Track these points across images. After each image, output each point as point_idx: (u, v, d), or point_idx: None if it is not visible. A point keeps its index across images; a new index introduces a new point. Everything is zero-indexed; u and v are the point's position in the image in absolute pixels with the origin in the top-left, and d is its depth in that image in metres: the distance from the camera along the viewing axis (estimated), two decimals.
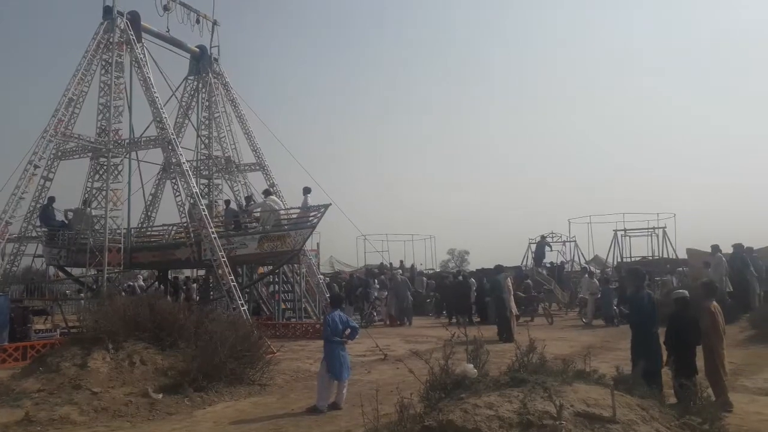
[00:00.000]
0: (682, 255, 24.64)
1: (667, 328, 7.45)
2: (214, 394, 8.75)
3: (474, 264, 46.08)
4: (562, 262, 30.67)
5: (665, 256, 25.47)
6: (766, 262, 17.53)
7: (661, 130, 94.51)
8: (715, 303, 7.62)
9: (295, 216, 16.61)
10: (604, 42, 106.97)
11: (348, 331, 8.16)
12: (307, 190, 16.35)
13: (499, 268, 17.00)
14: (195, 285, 21.96)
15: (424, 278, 26.30)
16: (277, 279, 18.32)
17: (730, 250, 18.10)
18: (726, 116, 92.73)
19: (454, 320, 18.78)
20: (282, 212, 17.21)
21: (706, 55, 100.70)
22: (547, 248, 29.13)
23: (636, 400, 5.71)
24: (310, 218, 15.79)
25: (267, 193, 17.84)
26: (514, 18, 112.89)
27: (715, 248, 18.21)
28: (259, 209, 17.40)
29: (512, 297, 15.73)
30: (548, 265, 29.68)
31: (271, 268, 18.58)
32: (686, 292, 7.84)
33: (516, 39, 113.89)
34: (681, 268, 23.05)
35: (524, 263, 29.83)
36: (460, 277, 21.90)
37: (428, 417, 5.28)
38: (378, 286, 21.59)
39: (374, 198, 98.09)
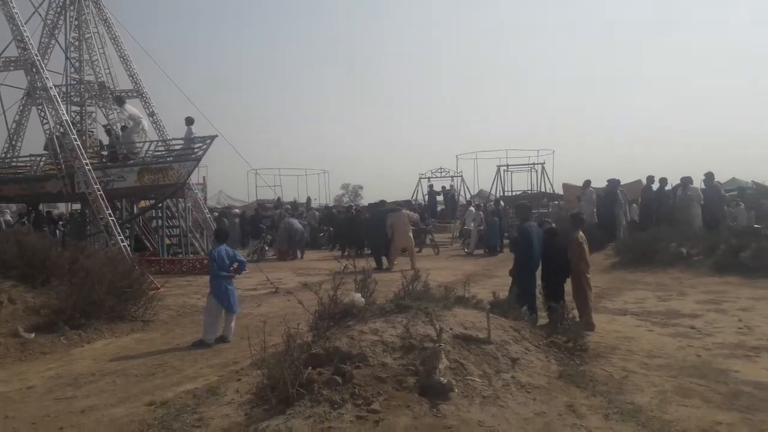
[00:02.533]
0: (559, 189, 26.30)
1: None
2: (93, 331, 8.37)
3: (368, 198, 46.60)
4: (452, 194, 31.85)
5: (544, 190, 27.04)
6: (632, 196, 19.02)
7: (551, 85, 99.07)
8: (581, 233, 8.21)
9: (178, 147, 15.78)
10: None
11: (235, 265, 8.02)
12: (189, 121, 15.48)
13: (382, 203, 19.31)
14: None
15: (317, 213, 26.29)
16: (160, 213, 17.50)
17: (603, 185, 19.48)
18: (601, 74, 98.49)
19: (346, 253, 19.03)
20: (161, 142, 16.30)
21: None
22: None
23: (509, 322, 6.14)
24: (195, 150, 15.05)
25: (119, 101, 16.55)
26: None
27: (587, 183, 19.58)
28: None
29: (409, 230, 16.24)
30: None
31: (153, 202, 17.71)
32: (554, 224, 8.38)
33: None
34: (556, 202, 24.64)
35: (414, 197, 30.60)
36: (353, 211, 22.12)
37: (315, 345, 5.38)
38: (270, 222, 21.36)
39: (267, 131, 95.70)
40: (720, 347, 6.86)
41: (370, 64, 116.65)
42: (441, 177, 31.45)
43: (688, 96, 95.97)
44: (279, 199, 27.28)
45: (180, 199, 17.12)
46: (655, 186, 18.09)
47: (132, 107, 16.53)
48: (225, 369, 6.44)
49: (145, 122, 16.56)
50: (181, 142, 15.87)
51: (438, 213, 30.07)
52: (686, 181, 16.97)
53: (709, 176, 17.21)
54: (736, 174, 30.62)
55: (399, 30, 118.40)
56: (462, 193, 32.11)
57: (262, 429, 4.24)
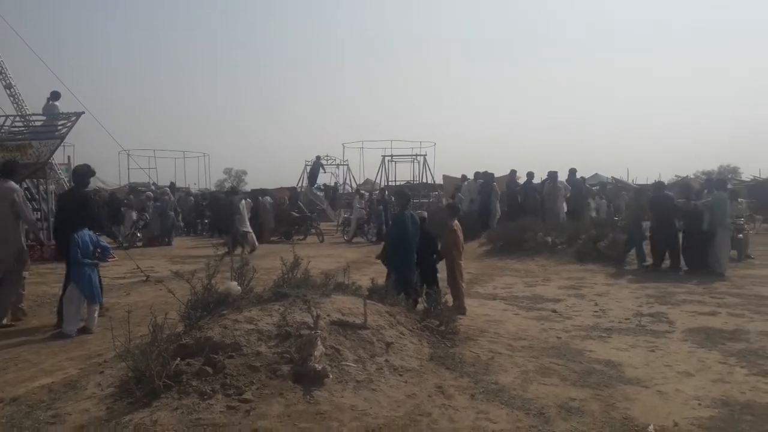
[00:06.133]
0: (440, 180, 27.26)
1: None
2: None
3: (252, 184, 45.56)
4: (335, 183, 31.90)
5: (425, 180, 27.93)
6: (502, 188, 20.11)
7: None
8: (456, 222, 8.55)
9: (39, 124, 14.45)
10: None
11: (99, 251, 7.50)
12: (54, 96, 14.22)
13: (234, 191, 19.05)
14: None
15: (192, 198, 25.27)
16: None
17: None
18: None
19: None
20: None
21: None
22: (321, 169, 29.87)
23: (386, 307, 6.27)
24: (59, 127, 13.85)
25: None
26: None
27: (464, 177, 20.56)
28: None
29: (246, 218, 16.77)
30: (322, 187, 30.61)
31: None
32: (425, 213, 8.67)
33: None
34: (436, 192, 25.50)
35: (300, 184, 30.36)
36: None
37: (186, 335, 5.18)
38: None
39: (141, 111, 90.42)
40: (578, 329, 7.42)
41: (255, 48, 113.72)
42: (327, 164, 31.43)
43: (558, 96, 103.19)
44: (153, 184, 26.00)
45: (41, 180, 15.71)
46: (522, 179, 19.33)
47: None
48: (87, 362, 6.02)
49: None
50: (43, 118, 14.55)
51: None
52: (553, 176, 18.22)
53: (572, 172, 18.62)
54: (599, 170, 33.30)
55: (286, 15, 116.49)
56: (348, 181, 32.35)
57: (124, 423, 4.01)
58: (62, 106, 14.64)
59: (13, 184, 7.68)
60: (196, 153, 34.12)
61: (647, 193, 15.23)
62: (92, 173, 8.70)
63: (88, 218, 7.86)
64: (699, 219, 11.90)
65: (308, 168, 30.06)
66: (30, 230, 7.88)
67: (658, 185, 13.95)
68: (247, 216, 16.73)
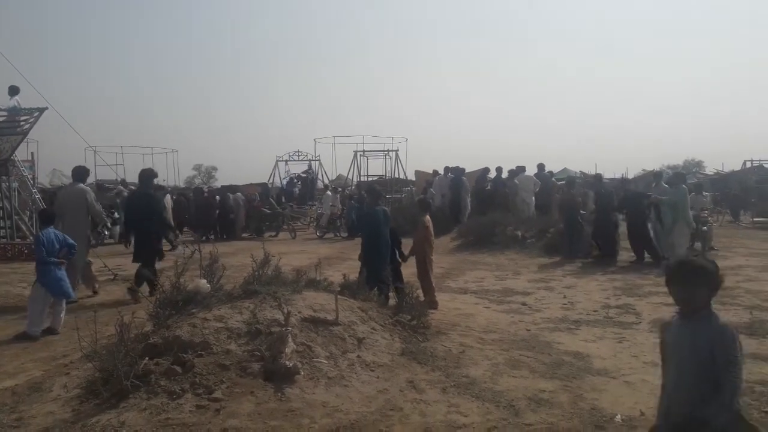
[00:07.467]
0: (412, 176, 27.33)
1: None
2: None
3: (222, 180, 45.11)
4: (308, 173, 31.73)
5: (397, 176, 27.97)
6: (472, 183, 20.24)
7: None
8: (428, 217, 8.58)
9: (1, 119, 14.03)
10: None
11: (64, 250, 7.34)
12: (13, 90, 13.77)
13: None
14: None
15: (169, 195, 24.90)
16: None
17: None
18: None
19: (203, 238, 18.28)
20: None
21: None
22: (295, 186, 29.88)
23: (358, 303, 6.27)
24: (21, 123, 13.47)
25: None
26: None
27: (435, 172, 20.67)
28: None
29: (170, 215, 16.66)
30: (297, 181, 30.44)
31: None
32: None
33: None
34: (409, 187, 25.56)
35: (271, 180, 30.13)
36: (206, 194, 21.29)
37: (154, 334, 5.12)
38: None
39: (108, 106, 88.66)
40: (547, 322, 7.50)
41: (225, 42, 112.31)
42: (299, 160, 31.25)
43: (530, 93, 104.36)
44: (122, 179, 25.47)
45: (4, 177, 15.27)
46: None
47: None
48: (52, 363, 5.89)
49: None
50: (4, 114, 14.12)
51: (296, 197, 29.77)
52: (514, 171, 18.46)
53: (540, 167, 18.87)
54: (567, 165, 33.79)
55: (257, 10, 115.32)
56: (320, 176, 32.19)
57: (91, 425, 3.95)
58: (24, 101, 14.22)
59: (83, 186, 9.29)
60: (164, 149, 33.52)
61: (579, 185, 15.52)
62: (155, 175, 10.47)
63: (156, 217, 9.61)
64: (640, 209, 12.22)
65: (280, 165, 29.90)
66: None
67: (598, 177, 14.27)
68: (170, 214, 16.58)
